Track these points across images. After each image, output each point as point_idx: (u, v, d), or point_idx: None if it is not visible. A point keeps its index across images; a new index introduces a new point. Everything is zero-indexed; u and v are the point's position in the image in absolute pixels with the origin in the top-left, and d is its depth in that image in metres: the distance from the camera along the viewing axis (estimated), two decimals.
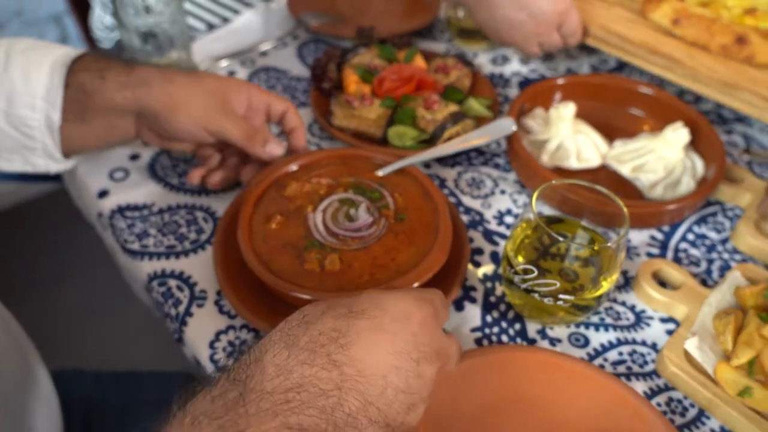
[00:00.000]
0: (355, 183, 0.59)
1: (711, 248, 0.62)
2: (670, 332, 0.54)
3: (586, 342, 0.53)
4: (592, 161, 0.68)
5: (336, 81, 0.75)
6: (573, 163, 0.67)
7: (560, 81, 0.73)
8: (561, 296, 0.49)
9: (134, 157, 0.69)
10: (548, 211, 0.56)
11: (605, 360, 0.52)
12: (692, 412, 0.49)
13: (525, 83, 0.83)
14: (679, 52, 0.70)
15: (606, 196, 0.50)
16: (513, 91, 0.81)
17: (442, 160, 0.69)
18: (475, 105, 0.73)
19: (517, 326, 0.54)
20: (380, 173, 0.60)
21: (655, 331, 0.54)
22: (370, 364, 0.34)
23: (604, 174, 0.68)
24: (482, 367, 0.48)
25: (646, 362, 0.52)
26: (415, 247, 0.53)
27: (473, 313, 0.55)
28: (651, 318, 0.55)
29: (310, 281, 0.50)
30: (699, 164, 0.66)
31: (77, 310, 1.53)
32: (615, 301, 0.57)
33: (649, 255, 0.61)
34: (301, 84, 0.81)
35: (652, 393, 0.50)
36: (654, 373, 0.51)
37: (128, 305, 1.61)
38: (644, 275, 0.56)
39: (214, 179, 0.61)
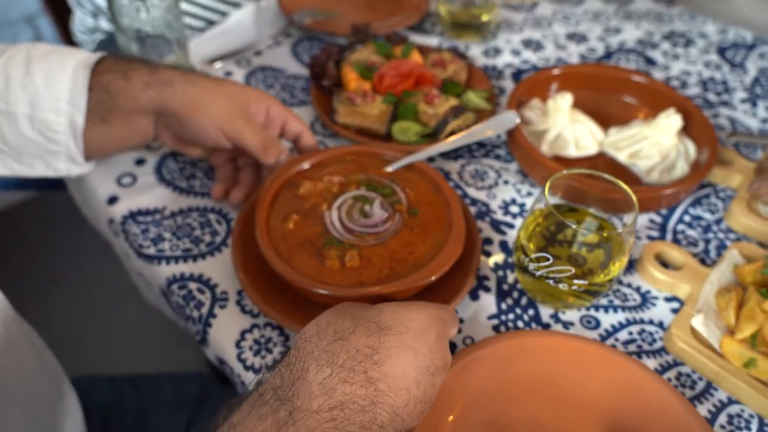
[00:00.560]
0: (366, 180, 0.60)
1: (707, 229, 0.65)
2: (674, 311, 0.57)
3: (598, 324, 0.56)
4: (590, 149, 0.70)
5: (335, 78, 0.76)
6: (572, 152, 0.69)
7: (555, 71, 0.75)
8: (575, 281, 0.51)
9: (140, 162, 0.69)
10: (552, 200, 0.58)
11: (616, 340, 0.55)
12: (700, 385, 0.52)
13: (517, 74, 0.85)
14: None
15: (613, 183, 0.52)
16: (506, 82, 0.83)
17: (445, 154, 0.71)
18: (474, 98, 0.75)
19: (531, 312, 0.57)
20: (390, 169, 0.61)
21: (660, 311, 0.57)
22: (398, 379, 0.38)
23: (602, 161, 0.70)
24: (503, 353, 0.50)
25: (654, 340, 0.55)
26: (431, 240, 0.55)
27: (488, 302, 0.57)
28: (656, 298, 0.58)
29: (332, 278, 0.52)
30: (691, 148, 0.69)
31: (71, 313, 1.52)
32: (621, 283, 0.59)
33: (650, 238, 0.63)
34: (298, 82, 0.82)
35: (662, 369, 0.53)
36: (663, 350, 0.54)
37: (121, 308, 1.61)
38: (648, 257, 0.59)
39: (236, 196, 0.62)
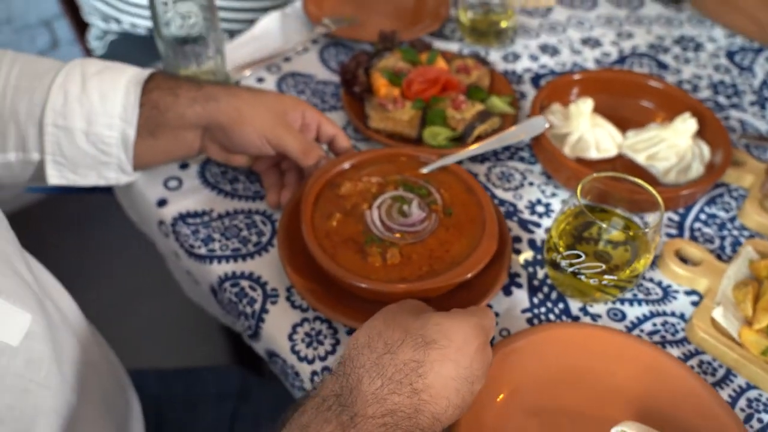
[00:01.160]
0: (402, 180, 0.64)
1: (721, 226, 0.69)
2: (694, 303, 0.61)
3: (624, 316, 0.60)
4: (610, 151, 0.74)
5: (366, 85, 0.80)
6: (593, 154, 0.73)
7: (576, 77, 0.79)
8: (605, 277, 0.55)
9: (184, 166, 0.73)
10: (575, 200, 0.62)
11: (641, 331, 0.59)
12: (721, 372, 0.56)
13: (536, 79, 0.89)
14: None
15: (641, 186, 0.56)
16: (526, 87, 0.87)
17: (473, 157, 0.75)
18: (498, 103, 0.78)
19: (561, 305, 0.61)
20: (425, 171, 0.65)
21: (681, 303, 0.61)
22: (439, 389, 0.42)
23: (621, 162, 0.74)
24: (538, 344, 0.54)
25: (676, 331, 0.59)
26: (466, 239, 0.59)
27: (521, 297, 0.61)
28: (677, 292, 0.62)
29: (375, 273, 0.55)
30: (706, 150, 0.73)
31: (86, 313, 1.56)
32: (644, 278, 0.63)
33: (669, 235, 0.67)
34: (328, 88, 0.85)
35: (685, 357, 0.57)
36: (685, 340, 0.58)
37: (133, 307, 1.65)
38: (668, 254, 0.63)
39: (285, 198, 0.66)
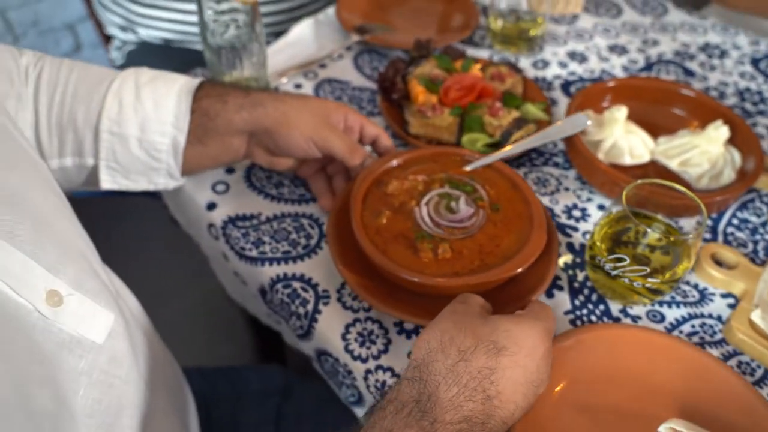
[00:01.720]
0: (447, 178, 0.65)
1: (754, 231, 0.71)
2: (730, 306, 0.63)
3: (663, 318, 0.62)
4: (643, 157, 0.76)
5: (404, 92, 0.82)
6: (627, 160, 0.76)
7: (610, 84, 0.81)
8: (649, 279, 0.57)
9: (230, 171, 0.75)
10: (618, 206, 0.64)
11: (680, 332, 0.61)
12: (759, 372, 0.58)
13: (566, 86, 0.91)
14: None
15: (683, 193, 0.59)
16: (556, 93, 0.90)
17: (509, 162, 0.77)
18: (533, 109, 0.81)
19: (602, 307, 0.63)
20: (469, 168, 0.66)
21: (718, 306, 0.63)
22: (509, 395, 0.44)
23: (653, 168, 0.76)
24: (584, 344, 0.56)
25: (714, 332, 0.61)
26: (515, 234, 0.60)
27: (563, 299, 0.63)
28: (713, 294, 0.64)
29: (428, 268, 0.57)
30: (737, 156, 0.75)
31: None
32: (681, 281, 0.65)
33: (703, 240, 0.69)
34: (364, 94, 0.88)
35: (724, 358, 0.59)
36: (723, 341, 0.60)
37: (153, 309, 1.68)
38: (705, 257, 0.65)
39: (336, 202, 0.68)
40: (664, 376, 0.56)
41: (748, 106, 0.88)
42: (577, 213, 0.72)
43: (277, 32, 1.12)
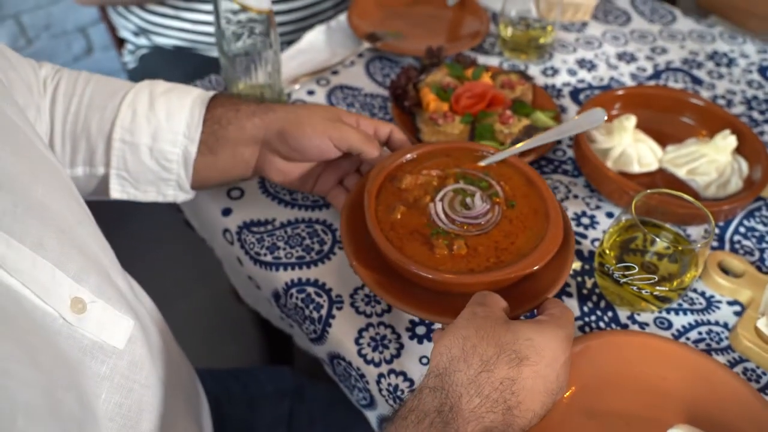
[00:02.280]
0: (462, 174, 0.64)
1: (760, 239, 0.72)
2: (736, 313, 0.64)
3: (670, 325, 0.63)
4: (652, 165, 0.77)
5: (415, 99, 0.83)
6: (635, 168, 0.77)
7: (619, 92, 0.82)
8: (657, 288, 0.58)
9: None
10: (628, 214, 0.65)
11: (687, 339, 0.62)
12: (765, 379, 0.59)
13: (575, 93, 0.92)
14: None
15: (691, 203, 0.60)
16: (566, 101, 0.91)
17: None
18: (542, 117, 0.82)
19: (610, 314, 0.64)
20: (483, 163, 0.65)
21: (724, 313, 0.64)
22: (528, 404, 0.45)
23: (661, 176, 0.77)
24: (594, 350, 0.57)
25: (721, 339, 0.62)
26: (531, 230, 0.59)
27: (572, 305, 0.64)
28: (720, 302, 0.65)
29: (443, 264, 0.56)
30: (744, 165, 0.76)
31: None
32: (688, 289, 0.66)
33: (710, 248, 0.70)
34: (376, 100, 0.89)
35: (730, 364, 0.60)
36: (729, 348, 0.61)
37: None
38: (712, 265, 0.66)
39: None
40: (671, 383, 0.57)
41: (755, 114, 0.89)
42: (585, 220, 0.73)
43: (290, 39, 1.13)
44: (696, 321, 0.64)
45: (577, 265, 0.68)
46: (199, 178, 0.66)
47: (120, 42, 1.35)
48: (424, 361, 0.60)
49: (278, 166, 0.66)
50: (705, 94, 0.93)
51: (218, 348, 1.57)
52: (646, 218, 0.64)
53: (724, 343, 0.62)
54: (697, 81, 0.95)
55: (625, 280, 0.59)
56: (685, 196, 0.60)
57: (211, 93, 0.66)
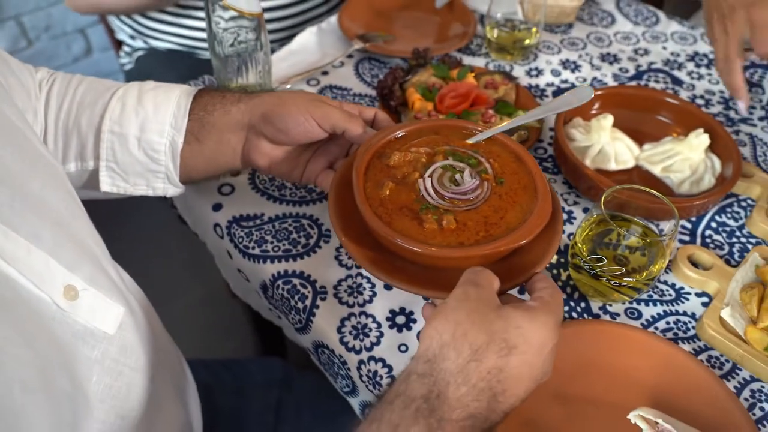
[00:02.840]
0: (451, 151, 0.63)
1: (731, 234, 0.74)
2: (704, 304, 0.67)
3: (640, 315, 0.66)
4: (628, 163, 0.80)
5: (401, 99, 0.86)
6: (612, 165, 0.79)
7: (598, 92, 0.85)
8: (626, 279, 0.61)
9: (235, 173, 0.79)
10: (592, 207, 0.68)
11: (656, 328, 0.65)
12: (727, 366, 0.62)
13: (558, 93, 0.95)
14: None
15: (658, 197, 0.63)
16: (548, 101, 0.93)
17: None
18: None
19: (583, 304, 0.67)
20: (471, 141, 0.65)
21: (692, 304, 0.67)
22: (514, 390, 0.46)
23: (638, 173, 0.80)
24: (565, 338, 0.59)
25: (688, 329, 0.65)
26: (520, 206, 0.59)
27: None
28: (688, 294, 0.68)
29: (433, 239, 0.56)
30: (717, 163, 0.79)
31: None
32: (658, 281, 0.69)
33: (681, 241, 0.73)
34: (364, 100, 0.92)
35: (695, 352, 0.63)
36: (695, 337, 0.64)
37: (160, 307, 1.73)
38: (682, 259, 0.69)
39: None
40: (639, 370, 0.60)
41: (732, 114, 0.92)
42: (563, 216, 0.76)
43: (282, 39, 1.16)
44: (665, 311, 0.66)
45: (552, 258, 0.71)
46: (187, 169, 0.67)
47: (118, 44, 1.38)
48: (403, 348, 0.63)
49: (265, 150, 0.67)
50: (684, 94, 0.95)
51: (213, 343, 1.60)
52: (618, 213, 0.67)
53: (691, 333, 0.65)
54: (677, 81, 0.98)
55: (595, 271, 0.62)
56: (653, 192, 0.63)
57: (199, 88, 0.68)
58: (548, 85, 0.96)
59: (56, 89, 0.66)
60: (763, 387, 0.60)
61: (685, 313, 0.66)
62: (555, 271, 0.70)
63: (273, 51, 1.03)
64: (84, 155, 0.66)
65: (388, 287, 0.68)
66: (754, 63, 1.01)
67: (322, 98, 0.67)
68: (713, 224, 0.76)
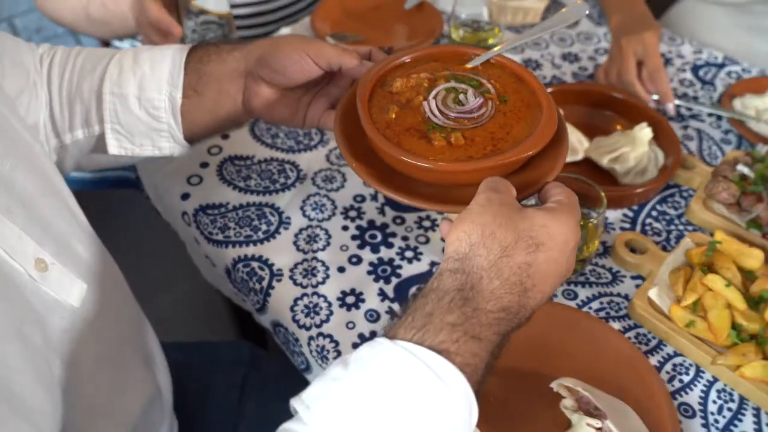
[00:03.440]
0: (452, 75, 0.62)
1: (670, 222, 0.79)
2: (638, 286, 0.71)
3: (576, 296, 0.70)
4: (578, 155, 0.84)
5: None
6: None
7: (550, 90, 0.90)
8: None
9: (204, 165, 0.84)
10: None
11: (590, 308, 0.69)
12: (653, 342, 0.66)
13: None
14: None
15: (592, 185, 0.67)
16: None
17: None
18: None
19: None
20: (470, 65, 0.63)
21: (627, 286, 0.71)
22: (541, 287, 0.48)
23: (587, 165, 0.84)
24: None
25: (620, 309, 0.69)
26: (525, 121, 0.58)
27: None
28: (624, 276, 0.72)
29: (443, 155, 0.55)
30: (660, 155, 0.83)
31: None
32: (597, 265, 0.73)
33: (623, 229, 0.78)
34: None
35: (625, 330, 0.67)
36: (626, 316, 0.68)
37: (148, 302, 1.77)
38: (619, 244, 0.73)
39: None
40: (570, 345, 0.64)
41: (683, 110, 0.96)
42: None
43: (256, 37, 1.21)
44: (600, 293, 0.71)
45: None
46: (190, 125, 0.67)
47: (106, 45, 1.43)
48: (351, 326, 0.67)
49: (265, 95, 0.67)
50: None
51: (195, 331, 1.65)
52: None
53: (623, 312, 0.69)
54: None
55: None
56: (582, 177, 0.67)
57: (192, 45, 0.69)
58: None
59: (57, 60, 0.68)
60: (684, 361, 0.64)
61: (618, 295, 0.71)
62: None
63: None
64: (89, 120, 0.68)
65: (341, 269, 0.72)
66: (708, 63, 1.05)
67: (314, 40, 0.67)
68: (654, 213, 0.80)
